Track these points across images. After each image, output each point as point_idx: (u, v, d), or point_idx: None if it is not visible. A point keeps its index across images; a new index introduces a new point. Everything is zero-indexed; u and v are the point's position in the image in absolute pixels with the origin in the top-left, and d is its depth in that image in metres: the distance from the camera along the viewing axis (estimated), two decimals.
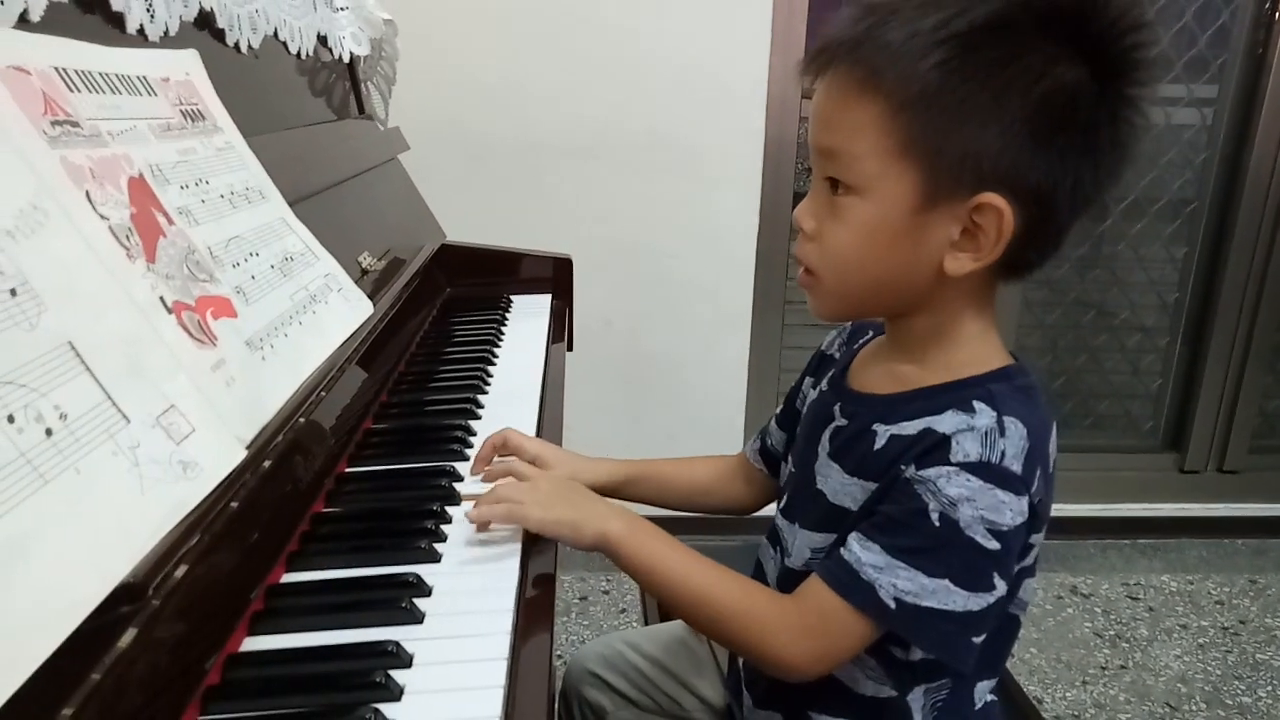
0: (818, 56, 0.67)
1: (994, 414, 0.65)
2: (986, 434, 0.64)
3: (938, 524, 0.63)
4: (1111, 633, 1.93)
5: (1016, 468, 0.63)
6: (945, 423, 0.66)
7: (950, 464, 0.63)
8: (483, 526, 0.72)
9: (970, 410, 0.65)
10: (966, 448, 0.64)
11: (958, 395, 0.67)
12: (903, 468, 0.66)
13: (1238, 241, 2.10)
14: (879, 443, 0.70)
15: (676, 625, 1.00)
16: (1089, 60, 0.62)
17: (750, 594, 0.72)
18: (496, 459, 0.84)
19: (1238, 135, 2.07)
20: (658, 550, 0.72)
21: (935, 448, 0.65)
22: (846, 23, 0.65)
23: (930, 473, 0.64)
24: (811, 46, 0.68)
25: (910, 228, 0.65)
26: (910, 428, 0.68)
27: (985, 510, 0.62)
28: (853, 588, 0.66)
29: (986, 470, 0.63)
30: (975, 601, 0.64)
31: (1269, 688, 1.77)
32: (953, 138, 0.62)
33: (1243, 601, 2.05)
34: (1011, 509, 0.63)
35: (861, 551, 0.66)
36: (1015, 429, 0.64)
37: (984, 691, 0.77)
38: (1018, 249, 0.65)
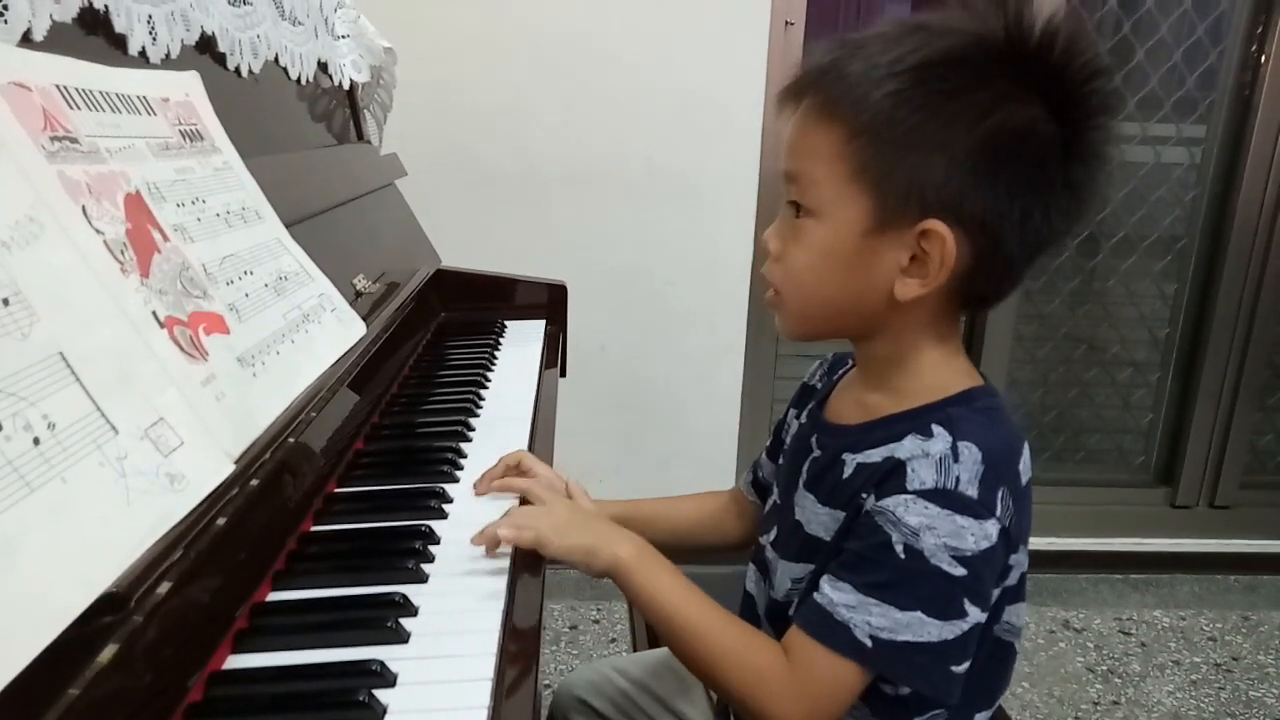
0: (791, 87, 0.70)
1: (950, 439, 0.65)
2: (940, 460, 0.65)
3: (903, 555, 0.63)
4: (1104, 668, 1.92)
5: (972, 492, 0.64)
6: (904, 449, 0.67)
7: (907, 492, 0.64)
8: (492, 546, 0.71)
9: (928, 434, 0.66)
10: (922, 475, 0.64)
11: (918, 421, 0.68)
12: (864, 497, 0.67)
13: (1227, 278, 2.12)
14: (847, 471, 0.71)
15: (664, 650, 0.99)
16: (1045, 100, 0.63)
17: (749, 643, 0.71)
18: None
19: (1226, 174, 2.10)
20: (665, 582, 0.72)
21: (892, 474, 0.66)
22: (818, 56, 0.69)
23: (889, 503, 0.65)
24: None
25: (862, 251, 0.67)
26: (875, 455, 0.69)
27: (947, 538, 0.63)
28: (828, 631, 0.66)
29: (943, 497, 0.63)
30: (949, 630, 0.64)
31: None
32: (900, 165, 0.64)
33: (1235, 638, 2.04)
34: (973, 534, 0.63)
35: (833, 592, 0.66)
36: (969, 453, 0.65)
37: None
38: (968, 279, 0.67)
